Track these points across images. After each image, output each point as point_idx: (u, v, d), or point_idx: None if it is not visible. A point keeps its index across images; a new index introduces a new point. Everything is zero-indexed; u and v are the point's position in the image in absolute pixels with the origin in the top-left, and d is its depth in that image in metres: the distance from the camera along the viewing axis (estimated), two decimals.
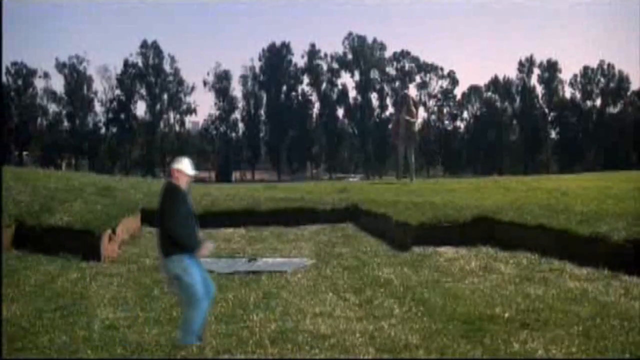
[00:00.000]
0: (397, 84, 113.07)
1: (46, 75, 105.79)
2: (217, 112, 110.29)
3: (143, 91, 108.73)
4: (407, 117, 23.15)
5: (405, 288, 8.16)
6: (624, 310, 6.98)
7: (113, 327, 6.58)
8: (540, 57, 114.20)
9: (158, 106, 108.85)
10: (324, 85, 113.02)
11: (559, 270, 9.12)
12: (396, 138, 23.82)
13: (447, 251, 10.64)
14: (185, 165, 6.24)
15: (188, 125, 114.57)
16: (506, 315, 6.82)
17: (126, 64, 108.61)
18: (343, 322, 6.55)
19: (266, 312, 7.10)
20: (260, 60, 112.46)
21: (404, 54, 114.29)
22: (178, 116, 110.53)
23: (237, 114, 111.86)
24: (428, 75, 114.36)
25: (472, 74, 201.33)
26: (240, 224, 13.64)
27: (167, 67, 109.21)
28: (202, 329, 6.14)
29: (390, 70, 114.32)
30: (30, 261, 9.64)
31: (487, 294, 7.80)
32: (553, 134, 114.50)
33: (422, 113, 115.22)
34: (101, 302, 7.51)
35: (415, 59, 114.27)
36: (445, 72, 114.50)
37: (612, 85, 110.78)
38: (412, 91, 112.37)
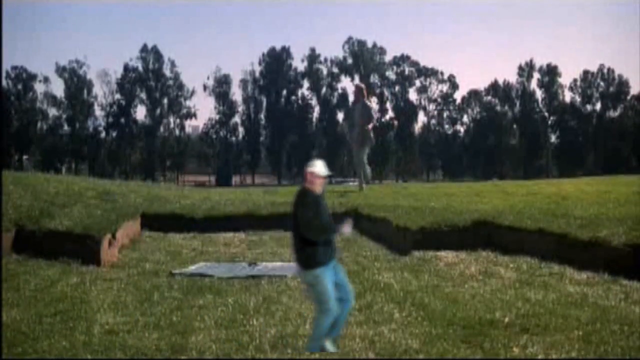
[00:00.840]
0: (397, 88, 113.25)
1: (46, 80, 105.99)
2: (217, 116, 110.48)
3: (143, 95, 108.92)
4: (365, 116, 18.95)
5: (405, 293, 8.16)
6: (624, 314, 6.98)
7: (113, 332, 6.57)
8: (540, 62, 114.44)
9: (158, 110, 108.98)
10: (324, 90, 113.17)
11: (559, 274, 9.12)
12: (351, 139, 20.04)
13: (447, 255, 10.64)
14: (319, 168, 6.16)
15: (188, 129, 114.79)
16: (506, 319, 6.82)
17: (126, 68, 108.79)
18: (343, 327, 6.55)
19: (266, 316, 7.11)
20: (260, 64, 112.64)
21: (403, 58, 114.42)
22: (178, 120, 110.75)
23: (237, 118, 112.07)
24: (428, 79, 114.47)
25: (472, 78, 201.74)
26: (240, 228, 13.63)
27: (167, 72, 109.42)
28: (337, 335, 6.10)
29: (390, 75, 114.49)
30: (30, 265, 9.64)
31: (487, 299, 7.80)
32: (553, 138, 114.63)
33: (422, 117, 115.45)
34: (101, 307, 7.51)
35: (415, 63, 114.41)
36: (445, 76, 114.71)
37: (612, 89, 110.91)
38: (413, 95, 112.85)
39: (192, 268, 10.09)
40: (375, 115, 22.02)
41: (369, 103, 20.10)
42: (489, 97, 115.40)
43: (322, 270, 5.99)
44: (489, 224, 11.45)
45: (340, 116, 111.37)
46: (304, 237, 6.02)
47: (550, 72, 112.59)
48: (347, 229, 6.40)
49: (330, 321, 5.96)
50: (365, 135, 18.93)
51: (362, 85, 20.82)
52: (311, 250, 6.01)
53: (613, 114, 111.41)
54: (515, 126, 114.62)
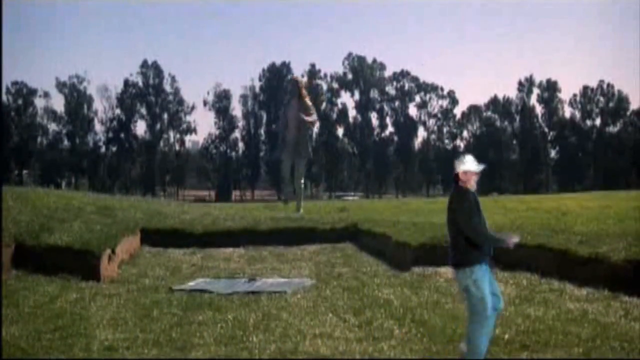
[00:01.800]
0: (397, 103, 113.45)
1: (46, 95, 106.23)
2: (217, 132, 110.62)
3: (143, 110, 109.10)
4: (304, 117, 16.16)
5: (405, 309, 8.14)
6: (624, 331, 6.97)
7: (112, 349, 6.55)
8: (539, 77, 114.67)
9: (158, 125, 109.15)
10: (323, 105, 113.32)
11: (559, 290, 9.11)
12: (283, 146, 16.81)
13: (447, 272, 10.62)
14: (469, 164, 6.04)
15: (188, 144, 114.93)
16: (506, 336, 6.81)
17: (126, 83, 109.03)
18: (343, 344, 6.53)
19: (266, 333, 7.09)
20: (260, 80, 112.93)
21: (403, 74, 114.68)
22: (178, 135, 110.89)
23: (237, 133, 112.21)
24: (428, 94, 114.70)
25: (472, 93, 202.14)
26: (239, 243, 13.61)
27: (167, 87, 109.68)
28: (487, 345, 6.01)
29: (390, 90, 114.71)
30: (29, 281, 9.62)
31: None
32: (553, 153, 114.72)
33: (422, 132, 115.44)
34: (100, 323, 7.49)
35: (414, 79, 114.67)
36: (445, 91, 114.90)
37: (611, 104, 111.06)
38: (412, 110, 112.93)
39: (191, 284, 10.08)
40: (314, 118, 16.95)
41: (307, 101, 16.53)
42: (489, 113, 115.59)
43: (479, 274, 5.90)
44: None
45: (340, 131, 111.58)
46: (464, 236, 5.92)
47: (550, 88, 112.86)
48: (513, 239, 6.26)
49: (486, 331, 5.86)
50: (301, 142, 16.23)
51: (299, 78, 17.45)
52: (467, 248, 5.96)
53: (613, 129, 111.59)
54: (515, 141, 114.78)
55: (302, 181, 17.13)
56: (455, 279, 6.16)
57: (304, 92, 16.41)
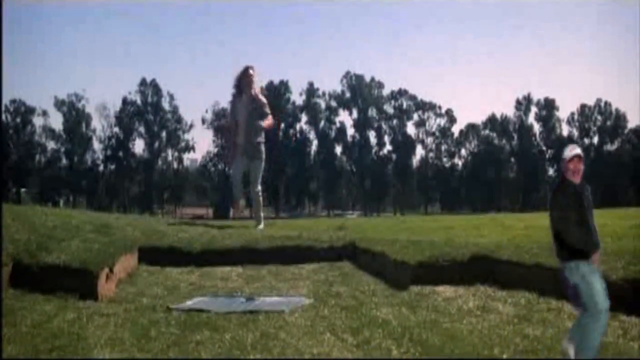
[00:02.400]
0: (395, 121, 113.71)
1: (45, 113, 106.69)
2: (216, 149, 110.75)
3: (141, 129, 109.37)
4: (261, 124, 14.22)
5: (403, 328, 8.13)
6: (623, 350, 6.96)
7: None
8: (537, 96, 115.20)
9: (156, 143, 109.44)
10: (322, 123, 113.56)
11: (557, 309, 9.10)
12: (233, 149, 14.48)
13: (446, 290, 10.61)
14: (566, 151, 5.83)
15: (186, 162, 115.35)
16: (504, 356, 6.79)
17: (125, 101, 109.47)
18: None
19: (263, 352, 7.07)
20: None
21: (401, 92, 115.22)
22: (176, 153, 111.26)
23: None
24: (426, 113, 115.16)
25: (470, 112, 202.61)
26: (237, 262, 13.59)
27: (165, 105, 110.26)
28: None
29: (388, 109, 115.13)
30: (26, 301, 9.59)
31: (485, 335, 7.77)
32: (551, 172, 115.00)
33: (420, 151, 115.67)
34: (98, 343, 7.47)
35: (413, 97, 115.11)
36: (443, 110, 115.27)
37: (609, 123, 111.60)
38: (411, 128, 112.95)
39: (189, 303, 10.05)
40: (271, 121, 14.66)
41: (262, 97, 14.25)
42: (487, 131, 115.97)
43: (585, 269, 5.76)
44: (487, 259, 11.44)
45: (338, 150, 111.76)
46: (560, 232, 5.77)
47: (548, 106, 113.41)
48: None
49: (598, 327, 5.69)
50: (254, 143, 14.06)
51: (252, 72, 14.12)
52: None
53: (610, 147, 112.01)
54: (513, 159, 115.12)
55: (259, 189, 14.61)
56: (564, 270, 6.01)
57: (257, 87, 13.96)
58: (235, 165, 14.36)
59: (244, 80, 13.76)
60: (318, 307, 9.61)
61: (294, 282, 11.91)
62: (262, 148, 14.30)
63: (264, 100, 14.23)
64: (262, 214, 14.85)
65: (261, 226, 14.87)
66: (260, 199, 14.60)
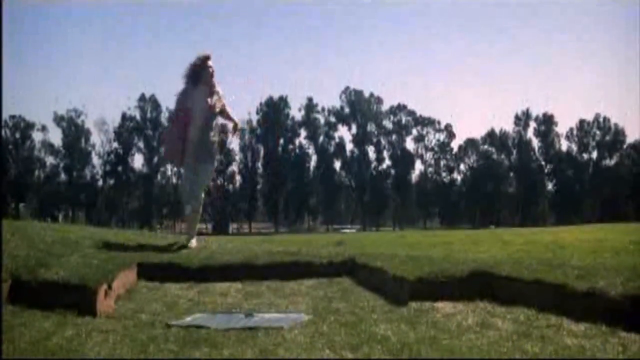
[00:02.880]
0: (394, 137, 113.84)
1: (44, 128, 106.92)
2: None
3: (141, 144, 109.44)
4: (227, 122, 12.41)
5: (402, 345, 8.10)
6: None
7: None
8: (536, 111, 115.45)
9: (155, 158, 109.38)
10: (321, 138, 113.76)
11: (556, 326, 9.07)
12: (177, 147, 12.00)
13: (445, 306, 10.58)
14: None
15: None
16: None
17: (124, 117, 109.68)
18: None
19: None
20: (257, 113, 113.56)
21: (400, 108, 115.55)
22: (175, 168, 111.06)
23: (234, 167, 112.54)
24: (425, 128, 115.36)
25: (469, 127, 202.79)
26: (237, 277, 13.56)
27: (164, 120, 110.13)
28: None
29: (387, 124, 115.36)
30: (25, 317, 9.55)
31: (485, 351, 7.75)
32: (550, 186, 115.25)
33: (419, 166, 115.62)
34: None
35: (411, 113, 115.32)
36: (442, 125, 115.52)
37: (607, 138, 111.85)
38: (410, 144, 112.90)
39: (188, 319, 10.03)
40: (237, 120, 12.62)
41: (217, 88, 11.85)
42: (486, 146, 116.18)
43: None
44: (487, 274, 11.41)
45: (337, 165, 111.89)
46: None
47: (547, 121, 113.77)
48: None
49: None
50: (208, 142, 11.85)
51: (209, 63, 11.65)
52: None
53: (609, 162, 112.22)
54: (512, 174, 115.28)
55: (202, 196, 12.76)
56: None
57: (213, 78, 11.56)
58: (187, 168, 12.38)
59: (204, 70, 11.50)
60: (317, 323, 9.59)
61: (293, 297, 11.88)
62: (216, 149, 12.26)
63: (220, 92, 11.89)
64: (196, 228, 12.87)
65: (193, 243, 12.99)
66: (200, 209, 12.85)
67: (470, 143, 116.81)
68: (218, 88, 11.92)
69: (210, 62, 11.75)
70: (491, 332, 9.23)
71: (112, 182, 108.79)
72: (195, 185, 12.55)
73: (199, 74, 11.64)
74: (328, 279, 13.86)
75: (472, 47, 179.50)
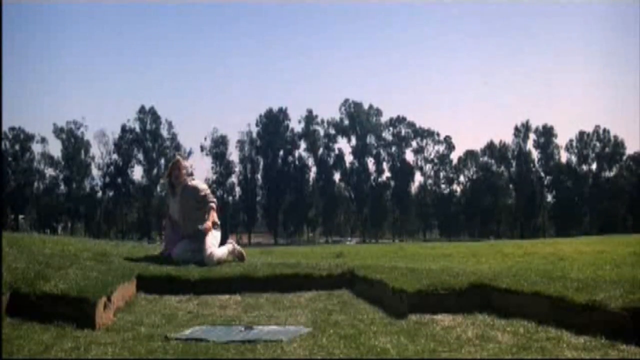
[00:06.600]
0: (394, 148, 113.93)
1: (43, 140, 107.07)
2: (214, 177, 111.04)
3: (140, 156, 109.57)
4: (204, 227, 13.22)
5: (401, 358, 8.08)
6: None
7: None
8: (536, 123, 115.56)
9: (155, 170, 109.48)
10: (320, 150, 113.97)
11: (556, 339, 9.05)
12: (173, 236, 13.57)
13: (444, 319, 10.55)
14: None
15: None
16: None
17: (124, 129, 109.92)
18: None
19: None
20: (257, 125, 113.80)
21: (400, 120, 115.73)
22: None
23: (234, 178, 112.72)
24: (424, 140, 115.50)
25: (468, 138, 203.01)
26: (236, 290, 13.53)
27: (164, 132, 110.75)
28: None
29: (387, 136, 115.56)
30: (24, 329, 9.54)
31: None
32: (549, 198, 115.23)
33: (418, 177, 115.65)
34: None
35: (411, 124, 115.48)
36: (442, 137, 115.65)
37: (607, 150, 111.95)
38: (409, 155, 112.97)
39: (187, 332, 10.01)
40: (210, 220, 13.43)
41: (195, 182, 13.11)
42: (485, 158, 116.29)
43: None
44: (486, 287, 11.40)
45: (337, 176, 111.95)
46: None
47: (546, 133, 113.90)
48: None
49: None
50: (196, 230, 13.19)
51: (179, 158, 13.12)
52: None
53: (609, 174, 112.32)
54: (511, 186, 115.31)
55: (218, 250, 14.17)
56: None
57: (186, 176, 12.66)
58: (181, 244, 13.65)
59: (173, 173, 12.68)
60: (316, 336, 9.57)
61: (292, 310, 11.86)
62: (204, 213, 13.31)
63: (201, 186, 13.05)
64: (224, 255, 13.91)
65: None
66: (222, 253, 14.06)
67: (470, 155, 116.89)
68: (195, 183, 12.88)
69: (178, 163, 12.68)
70: (491, 345, 9.21)
71: (111, 193, 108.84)
72: (204, 251, 13.71)
73: (172, 184, 12.81)
74: (327, 291, 13.83)
75: (471, 58, 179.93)
